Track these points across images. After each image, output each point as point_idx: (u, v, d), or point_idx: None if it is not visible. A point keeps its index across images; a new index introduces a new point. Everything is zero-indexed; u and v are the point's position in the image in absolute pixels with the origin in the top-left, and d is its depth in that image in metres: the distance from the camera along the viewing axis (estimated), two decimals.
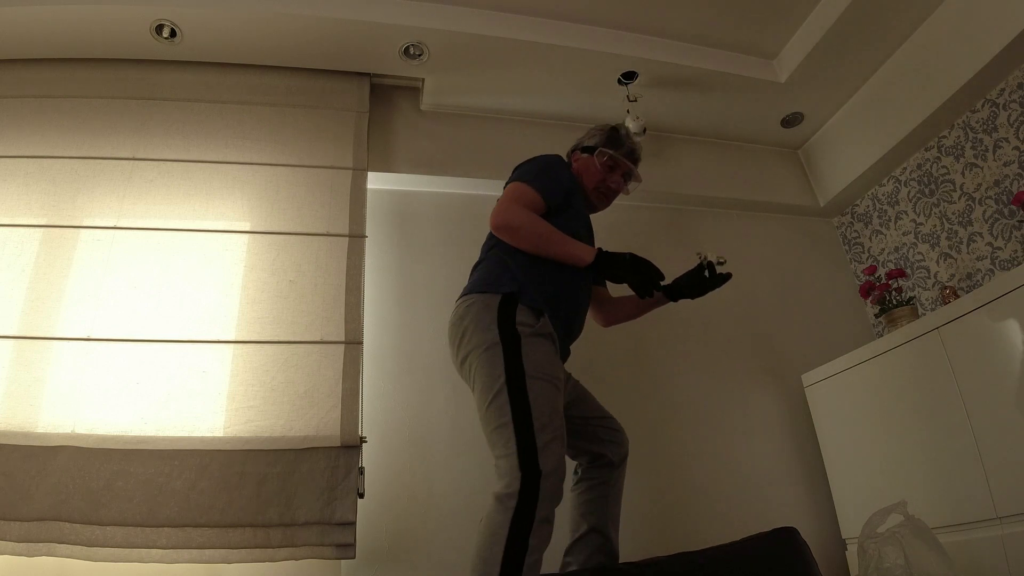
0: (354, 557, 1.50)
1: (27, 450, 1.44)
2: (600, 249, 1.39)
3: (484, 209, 2.23)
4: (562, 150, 1.67)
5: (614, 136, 1.67)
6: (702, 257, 1.58)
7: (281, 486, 1.50)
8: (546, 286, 1.37)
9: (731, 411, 2.13)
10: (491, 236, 1.53)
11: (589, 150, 1.67)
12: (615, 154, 1.64)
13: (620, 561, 1.40)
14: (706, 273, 1.56)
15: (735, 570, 1.23)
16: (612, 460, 1.49)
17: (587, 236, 1.59)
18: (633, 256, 1.38)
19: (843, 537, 1.91)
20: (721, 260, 1.57)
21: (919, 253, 2.26)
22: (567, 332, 1.45)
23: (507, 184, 1.50)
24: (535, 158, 1.58)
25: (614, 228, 2.33)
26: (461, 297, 1.41)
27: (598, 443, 1.50)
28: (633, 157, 1.68)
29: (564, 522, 1.45)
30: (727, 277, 1.57)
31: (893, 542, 1.31)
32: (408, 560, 1.62)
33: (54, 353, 1.57)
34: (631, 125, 2.20)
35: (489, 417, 1.23)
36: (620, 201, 2.53)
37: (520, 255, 1.41)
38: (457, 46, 2.05)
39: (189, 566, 1.41)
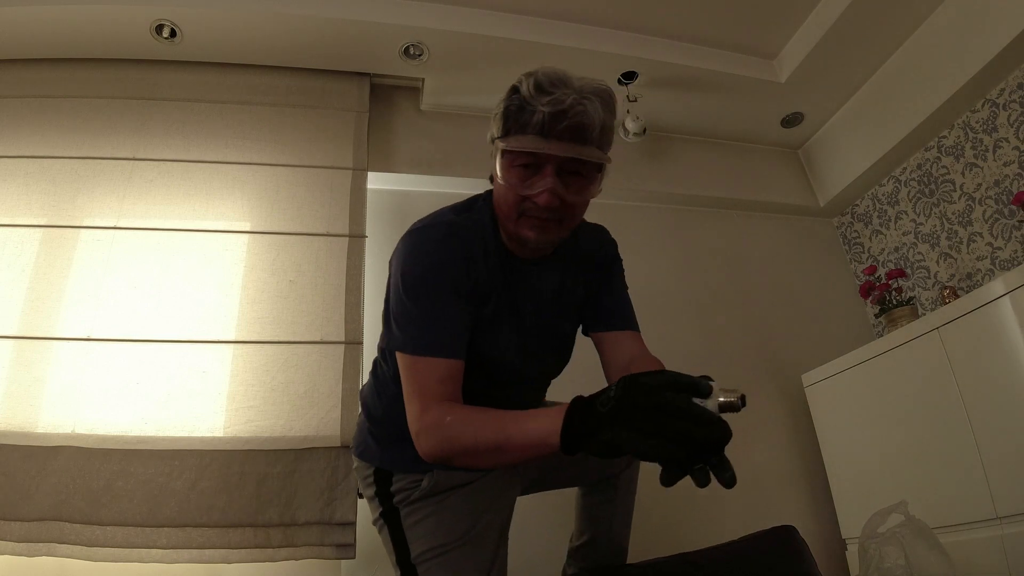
0: (354, 557, 1.50)
1: (27, 450, 1.44)
2: (568, 412, 0.72)
3: None
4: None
5: (516, 106, 0.91)
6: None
7: (281, 486, 1.50)
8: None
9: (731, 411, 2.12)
10: (377, 360, 1.13)
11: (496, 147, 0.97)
12: (521, 142, 0.89)
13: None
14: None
15: (734, 570, 1.23)
16: (612, 473, 1.28)
17: (524, 345, 1.02)
18: (626, 391, 0.68)
19: (843, 537, 1.91)
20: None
21: (919, 253, 2.26)
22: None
23: (383, 342, 1.03)
24: (393, 271, 0.98)
25: (611, 227, 2.34)
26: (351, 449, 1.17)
27: (592, 470, 1.26)
28: (563, 124, 0.87)
29: (564, 523, 1.45)
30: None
31: (894, 542, 1.31)
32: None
33: (54, 353, 1.57)
34: (631, 125, 2.21)
35: None
36: (618, 201, 2.57)
37: (377, 426, 1.09)
38: (457, 46, 2.05)
39: (189, 566, 1.41)
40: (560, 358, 1.13)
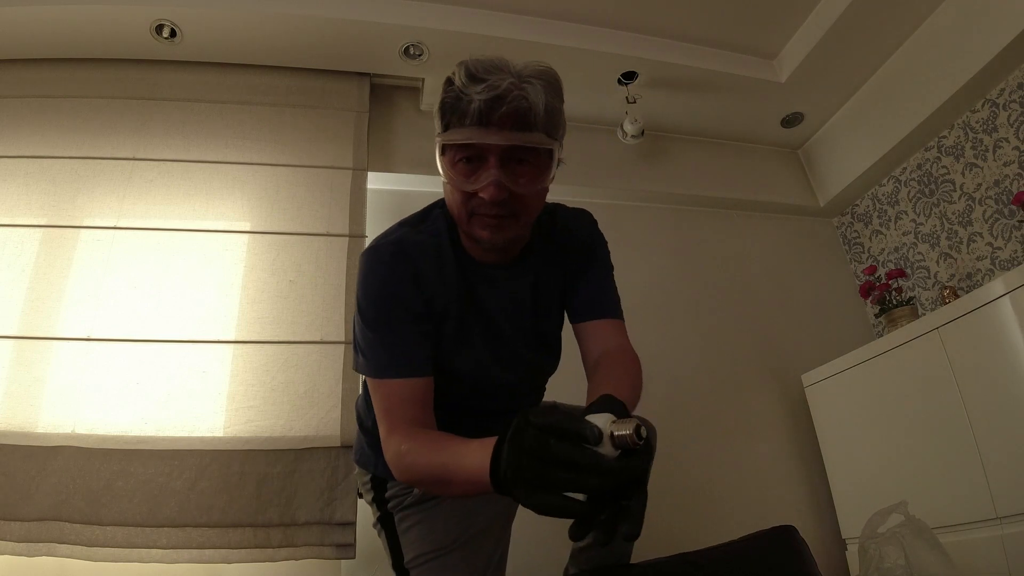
0: (354, 557, 1.50)
1: (27, 450, 1.44)
2: (494, 454, 0.65)
3: None
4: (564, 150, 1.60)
5: (453, 97, 0.84)
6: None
7: (281, 486, 1.50)
8: None
9: (731, 411, 2.12)
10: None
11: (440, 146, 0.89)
12: (459, 135, 0.83)
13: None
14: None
15: (734, 570, 1.23)
16: None
17: (498, 354, 0.97)
18: (511, 440, 0.62)
19: (843, 537, 1.91)
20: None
21: (919, 253, 2.26)
22: None
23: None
24: (358, 281, 0.93)
25: (611, 227, 2.34)
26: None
27: None
28: (501, 110, 0.81)
29: (565, 524, 1.44)
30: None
31: (894, 542, 1.31)
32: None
33: (54, 353, 1.57)
34: (629, 127, 2.21)
35: None
36: (618, 201, 2.57)
37: (369, 435, 1.08)
38: (457, 46, 2.04)
39: (189, 566, 1.41)
40: (548, 357, 1.08)
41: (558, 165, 0.92)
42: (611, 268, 1.10)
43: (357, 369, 0.92)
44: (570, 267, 1.05)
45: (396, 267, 0.90)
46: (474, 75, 0.82)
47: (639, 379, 0.94)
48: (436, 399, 0.90)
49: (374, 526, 1.13)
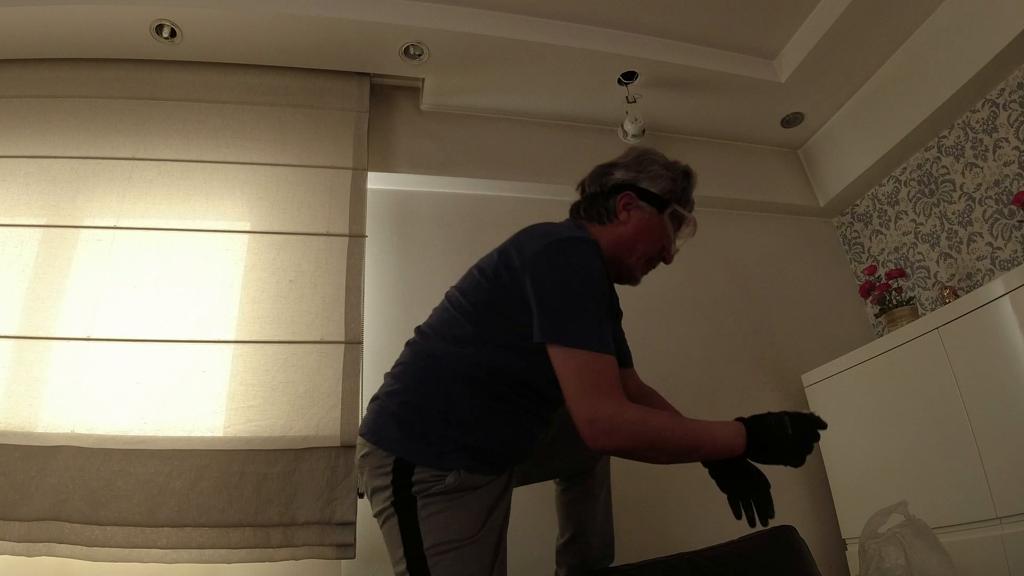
0: (354, 557, 1.50)
1: (27, 450, 1.44)
2: (746, 424, 1.02)
3: (484, 209, 2.25)
4: (562, 150, 1.60)
5: (684, 185, 1.22)
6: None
7: (281, 486, 1.50)
8: (470, 444, 1.03)
9: (731, 411, 2.11)
10: (427, 344, 1.13)
11: (656, 202, 1.17)
12: (690, 216, 1.21)
13: (620, 561, 1.40)
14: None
15: (734, 570, 1.23)
16: (589, 465, 1.33)
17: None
18: (795, 423, 1.02)
19: (843, 537, 1.91)
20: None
21: (919, 253, 2.26)
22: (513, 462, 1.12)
23: (545, 336, 1.01)
24: (553, 270, 1.03)
25: None
26: (359, 436, 1.14)
27: (568, 464, 1.32)
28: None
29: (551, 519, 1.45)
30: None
31: (894, 542, 1.31)
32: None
33: (54, 353, 1.57)
34: (630, 127, 2.21)
35: None
36: None
37: (418, 418, 1.06)
38: (457, 46, 2.05)
39: (189, 566, 1.41)
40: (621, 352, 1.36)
41: None
42: None
43: (560, 340, 0.99)
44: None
45: (602, 264, 1.07)
46: (695, 181, 1.26)
47: None
48: (533, 383, 1.07)
49: (379, 514, 1.07)
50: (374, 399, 1.17)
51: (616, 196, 1.19)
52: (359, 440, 1.14)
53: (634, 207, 1.18)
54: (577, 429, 0.96)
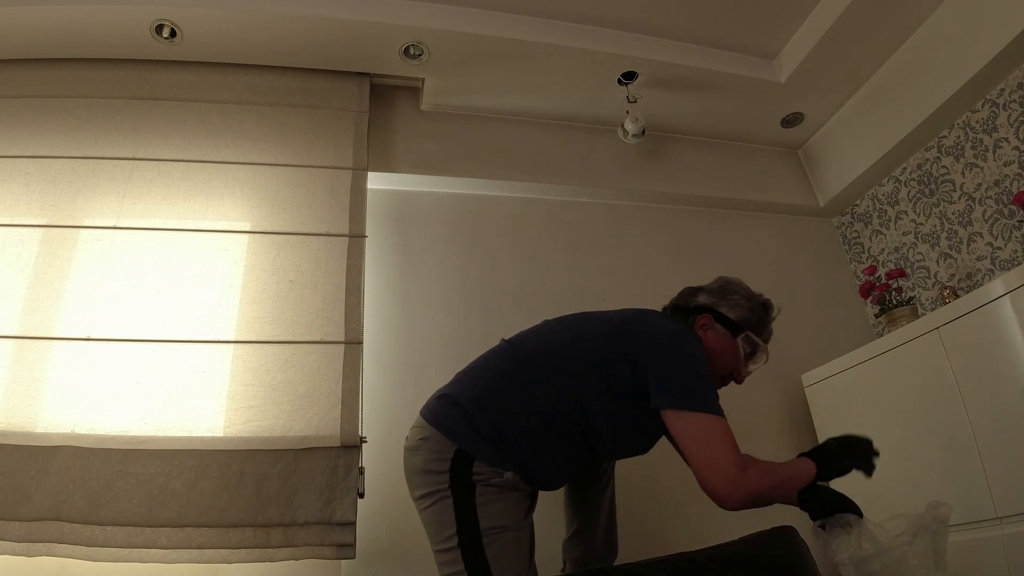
0: (354, 557, 1.50)
1: (27, 450, 1.44)
2: (815, 459, 1.18)
3: (484, 209, 2.25)
4: (562, 150, 1.60)
5: (761, 316, 1.33)
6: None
7: (281, 486, 1.50)
8: (528, 464, 1.15)
9: (731, 411, 2.11)
10: (506, 355, 1.25)
11: (732, 327, 1.31)
12: (763, 345, 1.33)
13: (621, 561, 1.40)
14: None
15: (734, 570, 1.23)
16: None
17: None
18: (849, 445, 1.20)
19: None
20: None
21: (919, 253, 2.26)
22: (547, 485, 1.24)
23: (670, 402, 1.14)
24: (678, 350, 1.19)
25: (612, 227, 2.34)
26: (421, 419, 1.23)
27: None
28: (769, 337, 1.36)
29: (561, 514, 1.45)
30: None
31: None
32: (408, 560, 1.62)
33: (54, 353, 1.57)
34: (630, 126, 2.21)
35: (443, 563, 1.12)
36: (618, 201, 2.57)
37: (489, 424, 1.15)
38: (457, 46, 2.05)
39: (189, 566, 1.41)
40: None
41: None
42: None
43: (689, 405, 1.14)
44: None
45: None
46: (773, 314, 1.37)
47: None
48: (591, 441, 1.20)
49: (428, 495, 1.14)
50: (444, 395, 1.25)
51: (696, 316, 1.32)
52: (419, 422, 1.22)
53: (711, 328, 1.31)
54: (705, 488, 1.12)
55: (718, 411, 1.14)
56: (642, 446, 1.30)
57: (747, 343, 1.31)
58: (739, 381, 1.35)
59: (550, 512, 1.60)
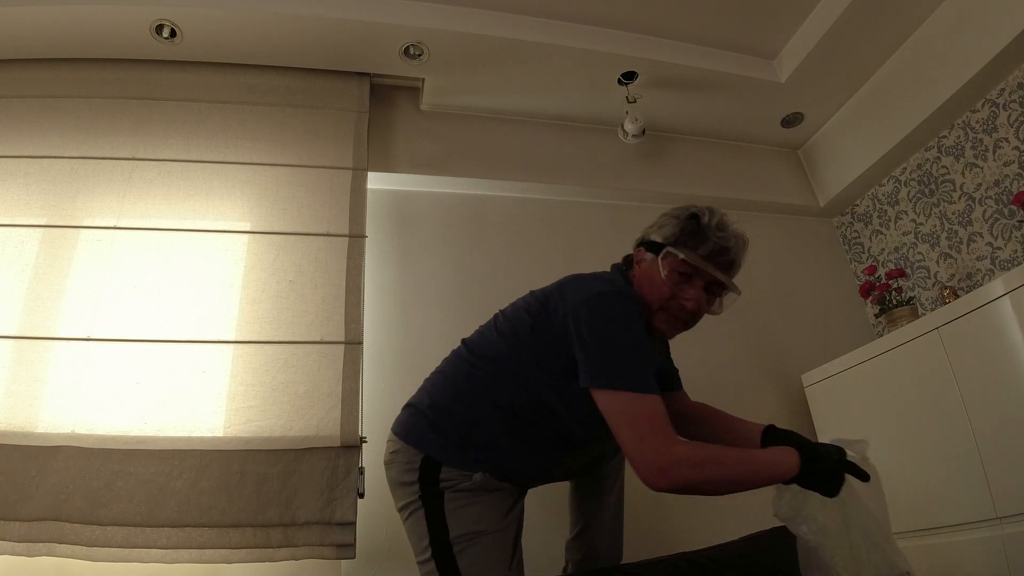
0: (354, 557, 1.50)
1: (27, 450, 1.44)
2: (802, 452, 1.03)
3: (484, 209, 2.25)
4: (562, 150, 1.60)
5: (692, 228, 1.15)
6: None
7: (281, 486, 1.50)
8: (501, 462, 1.11)
9: (731, 411, 2.12)
10: (465, 359, 1.21)
11: (654, 248, 1.18)
12: (691, 257, 1.13)
13: (621, 561, 1.40)
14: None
15: (734, 570, 1.23)
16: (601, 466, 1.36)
17: None
18: (839, 455, 1.05)
19: None
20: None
21: (919, 253, 2.26)
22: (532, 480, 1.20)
23: (592, 381, 1.05)
24: (594, 319, 1.07)
25: (612, 227, 2.34)
26: (391, 433, 1.22)
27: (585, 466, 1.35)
28: (725, 258, 1.14)
29: (565, 522, 1.45)
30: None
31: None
32: (408, 560, 1.62)
33: (54, 353, 1.57)
34: (630, 127, 2.21)
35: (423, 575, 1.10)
36: (618, 201, 2.57)
37: (448, 423, 1.14)
38: (457, 46, 2.05)
39: (189, 566, 1.41)
40: None
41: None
42: None
43: (603, 383, 1.04)
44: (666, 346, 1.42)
45: (641, 317, 1.11)
46: (723, 226, 1.16)
47: None
48: (559, 428, 1.13)
49: (404, 507, 1.14)
50: (409, 404, 1.24)
51: (637, 250, 1.24)
52: (390, 436, 1.22)
53: (641, 261, 1.21)
54: (635, 471, 0.99)
55: (642, 387, 1.01)
56: None
57: (673, 263, 1.13)
58: (691, 309, 1.14)
59: (551, 512, 1.60)
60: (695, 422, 1.37)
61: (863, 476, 1.04)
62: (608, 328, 1.06)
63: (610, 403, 1.02)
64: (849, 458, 1.06)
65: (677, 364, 1.51)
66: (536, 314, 1.16)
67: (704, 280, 1.14)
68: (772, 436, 1.23)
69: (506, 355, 1.15)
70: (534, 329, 1.14)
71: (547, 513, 1.63)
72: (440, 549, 1.07)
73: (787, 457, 1.02)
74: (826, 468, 1.02)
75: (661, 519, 1.87)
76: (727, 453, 1.02)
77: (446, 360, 1.26)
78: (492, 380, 1.14)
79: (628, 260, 1.28)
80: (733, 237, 1.15)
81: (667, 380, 1.39)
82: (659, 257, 1.15)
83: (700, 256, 1.13)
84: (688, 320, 1.17)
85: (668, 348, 1.44)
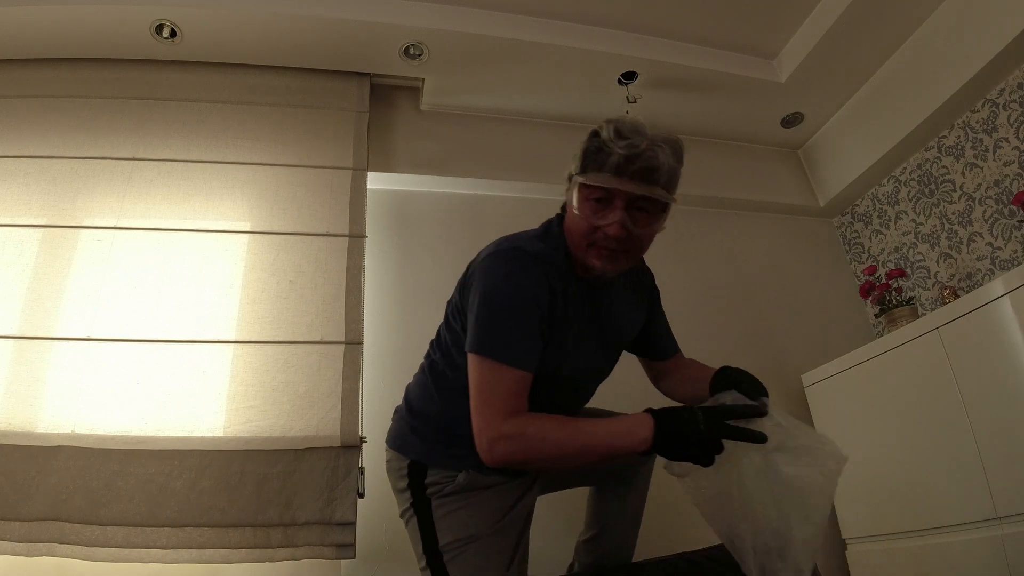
0: (354, 557, 1.50)
1: (27, 450, 1.44)
2: (656, 417, 0.92)
3: (484, 209, 2.25)
4: (562, 150, 1.58)
5: (594, 147, 1.01)
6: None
7: (281, 486, 1.50)
8: (467, 456, 1.02)
9: None
10: (430, 354, 1.20)
11: (570, 180, 1.07)
12: (596, 178, 0.99)
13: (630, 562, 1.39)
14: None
15: (733, 570, 1.23)
16: (629, 472, 1.30)
17: (597, 366, 1.17)
18: (708, 419, 0.91)
19: (843, 537, 1.91)
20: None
21: (919, 253, 2.26)
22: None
23: (467, 345, 1.01)
24: (481, 281, 1.03)
25: None
26: (385, 442, 1.23)
27: (611, 472, 1.30)
28: (638, 165, 0.98)
29: (574, 520, 1.45)
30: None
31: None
32: (408, 560, 1.62)
33: (54, 353, 1.57)
34: None
35: None
36: None
37: (423, 423, 1.14)
38: (457, 46, 2.05)
39: (189, 566, 1.41)
40: (611, 367, 1.24)
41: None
42: None
43: (468, 347, 1.00)
44: (645, 305, 1.29)
45: (536, 274, 1.02)
46: (620, 133, 0.99)
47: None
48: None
49: (402, 515, 1.15)
50: (396, 410, 1.25)
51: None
52: (384, 446, 1.23)
53: (565, 202, 1.11)
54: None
55: (503, 357, 0.96)
56: (565, 397, 1.15)
57: (583, 191, 1.01)
58: (618, 240, 1.00)
59: (558, 510, 1.60)
60: (667, 379, 1.32)
61: (756, 438, 0.90)
62: (490, 291, 1.00)
63: (472, 369, 0.98)
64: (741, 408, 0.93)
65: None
66: (460, 286, 1.12)
67: (622, 199, 0.99)
68: (718, 382, 1.09)
69: (453, 341, 1.12)
70: (459, 303, 1.11)
71: (554, 511, 1.63)
72: (432, 557, 1.06)
73: (639, 428, 0.91)
74: (686, 439, 0.89)
75: (661, 519, 1.87)
76: (563, 429, 0.94)
77: (423, 361, 1.26)
78: (452, 369, 1.11)
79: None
80: (644, 139, 0.98)
81: (646, 346, 1.31)
82: (571, 190, 1.04)
83: (608, 174, 0.98)
84: (623, 248, 1.02)
85: (652, 302, 1.30)
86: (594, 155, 1.00)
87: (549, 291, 1.02)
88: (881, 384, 1.80)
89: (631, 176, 0.98)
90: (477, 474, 1.07)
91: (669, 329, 1.35)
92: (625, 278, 1.20)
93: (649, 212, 1.02)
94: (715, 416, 0.91)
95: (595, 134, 1.02)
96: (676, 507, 1.90)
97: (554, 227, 1.12)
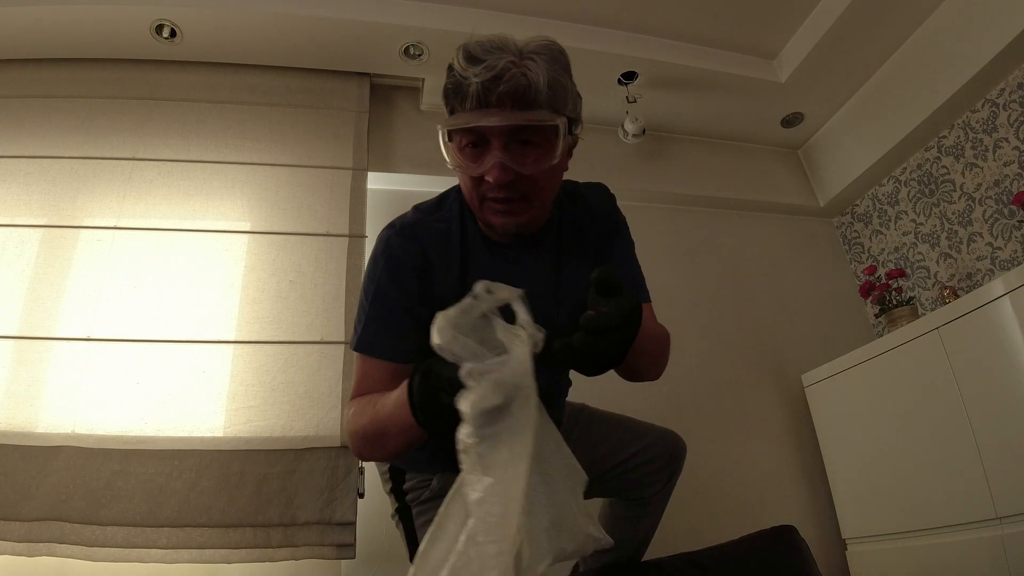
0: (354, 557, 1.50)
1: (27, 450, 1.44)
2: (410, 383, 0.71)
3: None
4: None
5: (451, 85, 0.84)
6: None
7: (281, 486, 1.50)
8: (435, 458, 0.99)
9: (731, 411, 2.12)
10: None
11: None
12: (457, 121, 0.84)
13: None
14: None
15: (734, 569, 1.23)
16: (647, 494, 1.23)
17: None
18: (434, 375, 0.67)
19: (843, 537, 1.91)
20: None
21: (919, 253, 2.26)
22: None
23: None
24: (371, 256, 0.95)
25: None
26: None
27: (627, 488, 1.23)
28: (505, 88, 0.79)
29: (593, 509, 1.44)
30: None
31: None
32: (408, 560, 1.62)
33: (54, 353, 1.57)
34: (630, 127, 2.21)
35: None
36: (618, 201, 2.55)
37: None
38: (457, 46, 2.04)
39: (189, 566, 1.41)
40: None
41: (575, 143, 0.89)
42: (632, 245, 1.07)
43: (353, 342, 0.93)
44: (596, 248, 1.03)
45: (407, 251, 0.90)
46: (472, 56, 0.81)
47: (664, 341, 1.00)
48: None
49: (392, 516, 1.15)
50: None
51: None
52: None
53: None
54: None
55: (361, 347, 0.88)
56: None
57: (454, 142, 0.86)
58: (501, 186, 0.83)
59: None
60: None
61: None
62: (366, 275, 0.93)
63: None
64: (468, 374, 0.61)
65: (676, 359, 1.27)
66: None
67: (496, 136, 0.81)
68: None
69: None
70: None
71: None
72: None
73: (401, 412, 0.72)
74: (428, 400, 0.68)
75: (663, 518, 1.87)
76: (368, 409, 0.81)
77: None
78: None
79: None
80: (505, 56, 0.80)
81: None
82: (448, 143, 0.87)
83: (469, 111, 0.81)
84: (518, 195, 0.85)
85: (602, 252, 1.04)
86: (453, 93, 0.83)
87: (425, 264, 0.90)
88: (881, 384, 1.80)
89: (499, 104, 0.79)
90: (452, 476, 0.91)
91: (629, 276, 1.06)
92: (568, 229, 1.00)
93: (536, 144, 0.83)
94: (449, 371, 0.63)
95: (450, 68, 0.84)
96: (677, 507, 1.89)
97: (452, 192, 0.99)
